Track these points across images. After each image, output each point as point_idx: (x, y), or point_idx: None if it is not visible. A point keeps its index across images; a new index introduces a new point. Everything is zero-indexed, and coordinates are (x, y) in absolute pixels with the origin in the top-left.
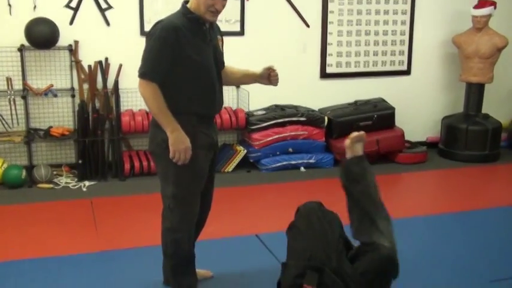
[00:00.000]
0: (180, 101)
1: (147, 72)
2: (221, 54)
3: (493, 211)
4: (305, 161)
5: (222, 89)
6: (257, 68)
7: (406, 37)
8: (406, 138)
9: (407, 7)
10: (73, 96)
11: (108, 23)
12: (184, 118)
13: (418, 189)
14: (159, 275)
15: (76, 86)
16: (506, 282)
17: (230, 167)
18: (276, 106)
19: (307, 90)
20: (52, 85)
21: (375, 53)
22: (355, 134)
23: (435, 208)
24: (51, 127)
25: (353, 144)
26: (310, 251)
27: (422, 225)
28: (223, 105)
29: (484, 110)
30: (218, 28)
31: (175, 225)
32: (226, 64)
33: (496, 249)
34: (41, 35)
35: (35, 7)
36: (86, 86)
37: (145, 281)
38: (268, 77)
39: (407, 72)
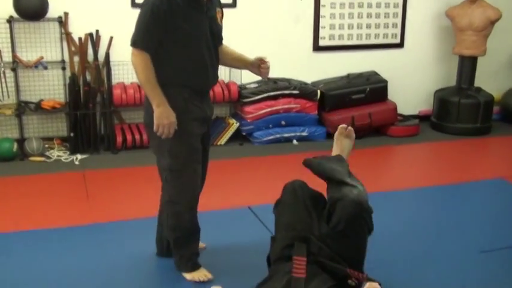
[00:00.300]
0: (171, 72)
1: (138, 41)
2: (218, 27)
3: (484, 183)
4: (297, 134)
5: (217, 63)
6: (248, 41)
7: (400, 10)
8: (399, 111)
9: None
10: (63, 68)
11: None
12: (175, 90)
13: (410, 161)
14: (152, 247)
15: (66, 58)
16: (495, 253)
17: (223, 140)
18: (269, 79)
19: (299, 63)
20: (42, 57)
21: (368, 26)
22: (343, 125)
23: (426, 180)
24: (42, 100)
25: (341, 138)
26: (296, 224)
27: (413, 197)
28: None
29: (476, 84)
30: (218, 0)
31: (174, 198)
32: (223, 42)
33: (485, 221)
34: (30, 6)
35: None
36: (76, 59)
37: (138, 252)
38: (259, 67)
39: (400, 45)
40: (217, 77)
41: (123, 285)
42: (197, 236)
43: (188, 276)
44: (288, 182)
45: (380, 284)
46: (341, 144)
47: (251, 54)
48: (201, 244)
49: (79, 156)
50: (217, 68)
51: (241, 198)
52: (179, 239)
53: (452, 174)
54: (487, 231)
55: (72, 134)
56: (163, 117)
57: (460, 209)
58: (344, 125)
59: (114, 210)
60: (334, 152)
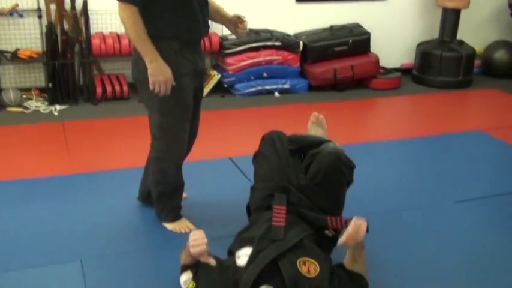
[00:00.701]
0: (161, 24)
1: None
2: None
3: (464, 135)
4: (279, 86)
5: (207, 11)
6: None
7: None
8: (381, 64)
9: None
10: (40, 17)
11: None
12: (165, 43)
13: (391, 114)
14: (133, 197)
15: (43, 6)
16: (469, 203)
17: (204, 92)
18: (251, 30)
19: (282, 15)
20: (17, 5)
21: None
22: (314, 113)
23: (407, 133)
24: (18, 49)
25: (313, 127)
26: (274, 174)
27: (394, 148)
28: None
29: (459, 37)
30: None
31: (162, 154)
32: None
33: (463, 172)
34: None
35: None
36: (53, 7)
37: (119, 202)
38: (236, 25)
39: None
40: (208, 26)
41: (104, 234)
42: (181, 191)
43: (169, 226)
44: (266, 133)
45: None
46: (314, 134)
47: (234, 5)
48: (183, 194)
49: (58, 107)
50: (208, 16)
51: (222, 150)
52: (162, 194)
53: (432, 126)
54: (464, 182)
55: (50, 85)
56: (158, 73)
57: (439, 160)
58: (315, 113)
59: (94, 161)
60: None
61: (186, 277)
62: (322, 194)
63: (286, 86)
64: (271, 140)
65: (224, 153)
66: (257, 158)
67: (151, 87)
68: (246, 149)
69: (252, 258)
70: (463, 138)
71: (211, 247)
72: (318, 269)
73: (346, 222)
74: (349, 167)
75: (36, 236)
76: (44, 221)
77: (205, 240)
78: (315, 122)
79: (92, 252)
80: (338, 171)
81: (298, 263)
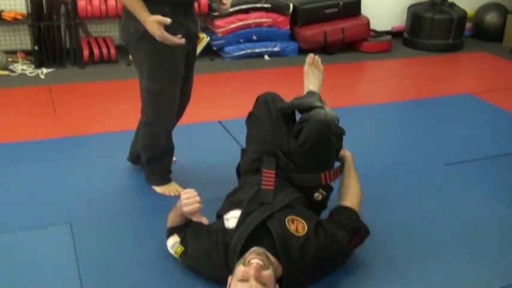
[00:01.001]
0: None
1: None
2: None
3: (453, 98)
4: (269, 49)
5: None
6: None
7: None
8: (372, 27)
9: None
10: None
11: None
12: (156, 7)
13: (382, 77)
14: (122, 160)
15: None
16: (458, 165)
17: None
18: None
19: None
20: None
21: None
22: (310, 55)
23: (397, 95)
24: (2, 11)
25: (311, 69)
26: (266, 137)
27: (384, 112)
28: None
29: None
30: None
31: (151, 120)
32: None
33: (452, 135)
34: None
35: None
36: None
37: (108, 165)
38: (220, 1)
39: None
40: None
41: (93, 197)
42: (170, 156)
43: (158, 189)
44: (261, 94)
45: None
46: (312, 77)
47: None
48: (173, 158)
49: (44, 70)
50: None
51: (211, 113)
52: (152, 158)
53: (423, 89)
54: (453, 144)
55: (36, 47)
56: (154, 30)
57: (428, 123)
58: (311, 54)
59: (82, 125)
60: (306, 88)
61: (173, 241)
62: (310, 160)
63: (276, 49)
64: (265, 102)
65: (214, 116)
66: (250, 119)
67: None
68: (235, 113)
69: (241, 220)
70: (453, 101)
71: (204, 210)
72: (306, 228)
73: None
74: (339, 135)
75: (25, 199)
76: (32, 184)
77: (198, 198)
78: (311, 64)
79: (81, 216)
80: (326, 140)
81: (286, 221)
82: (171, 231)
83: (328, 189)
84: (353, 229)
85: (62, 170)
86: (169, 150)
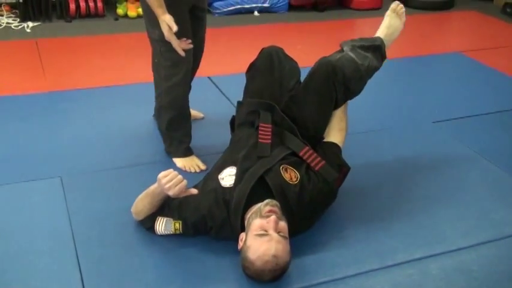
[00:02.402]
0: None
1: None
2: None
3: (442, 57)
4: (259, 5)
5: None
6: None
7: None
8: None
9: None
10: None
11: None
12: None
13: (372, 35)
14: (110, 114)
15: None
16: (446, 123)
17: None
18: None
19: None
20: None
21: None
22: (396, 1)
23: (387, 53)
24: None
25: (391, 16)
26: (264, 90)
27: None
28: None
29: None
30: None
31: (169, 70)
32: None
33: (440, 93)
34: None
35: None
36: None
37: (97, 120)
38: None
39: None
40: None
41: (83, 151)
42: (189, 121)
43: (179, 162)
44: (266, 47)
45: None
46: (389, 24)
47: None
48: (199, 114)
49: (30, 24)
50: None
51: (201, 69)
52: (173, 119)
53: (412, 47)
54: (441, 102)
55: (21, 0)
56: (164, 29)
57: (417, 81)
58: (397, 1)
59: (70, 79)
60: (379, 31)
61: (162, 223)
62: (308, 105)
63: (266, 4)
64: (268, 55)
65: (203, 72)
66: (250, 71)
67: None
68: (225, 69)
69: (239, 177)
70: (442, 59)
71: None
72: (298, 176)
73: (320, 167)
74: (344, 84)
75: (13, 153)
76: (20, 139)
77: (180, 176)
78: (394, 10)
79: (71, 169)
80: (328, 83)
81: (281, 169)
82: (152, 217)
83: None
84: (338, 166)
85: (50, 124)
86: (187, 113)
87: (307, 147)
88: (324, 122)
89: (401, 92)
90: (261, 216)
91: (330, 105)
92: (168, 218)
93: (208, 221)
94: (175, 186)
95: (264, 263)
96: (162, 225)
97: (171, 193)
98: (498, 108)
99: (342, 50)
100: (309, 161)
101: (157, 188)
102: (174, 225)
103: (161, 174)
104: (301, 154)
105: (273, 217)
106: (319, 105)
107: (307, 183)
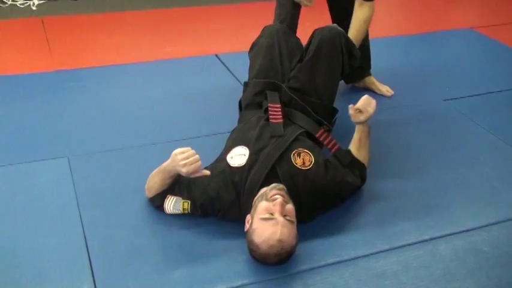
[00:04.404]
0: None
1: None
2: None
3: (453, 33)
4: None
5: None
6: None
7: None
8: None
9: None
10: None
11: None
12: None
13: (379, 11)
14: (118, 93)
15: None
16: (457, 101)
17: None
18: None
19: None
20: None
21: None
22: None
23: (396, 30)
24: None
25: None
26: (268, 70)
27: (382, 46)
28: None
29: None
30: None
31: None
32: None
33: (452, 70)
34: None
35: None
36: None
37: (105, 99)
38: None
39: None
40: None
41: (91, 132)
42: None
43: None
44: (268, 25)
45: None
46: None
47: None
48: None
49: (36, 2)
50: None
51: (208, 47)
52: None
53: (421, 24)
54: (452, 80)
55: None
56: None
57: (427, 58)
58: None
59: (77, 58)
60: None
61: (172, 202)
62: (318, 72)
63: None
64: (270, 33)
65: (210, 50)
66: (253, 50)
67: None
68: (232, 47)
69: (252, 159)
70: (452, 35)
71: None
72: (313, 159)
73: (336, 149)
74: (349, 49)
75: (20, 132)
76: (27, 118)
77: (197, 155)
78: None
79: (79, 149)
80: (334, 47)
81: (292, 155)
82: (163, 195)
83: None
84: (361, 179)
85: (57, 103)
86: None
87: (322, 129)
88: (333, 88)
89: (411, 70)
90: (267, 199)
91: (338, 69)
92: (178, 197)
93: (216, 203)
94: (191, 164)
95: (269, 247)
96: (171, 204)
97: (184, 170)
98: (510, 85)
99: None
100: (325, 142)
101: (169, 165)
102: (183, 204)
103: (177, 150)
104: (317, 135)
105: (279, 200)
106: (330, 70)
107: (323, 168)
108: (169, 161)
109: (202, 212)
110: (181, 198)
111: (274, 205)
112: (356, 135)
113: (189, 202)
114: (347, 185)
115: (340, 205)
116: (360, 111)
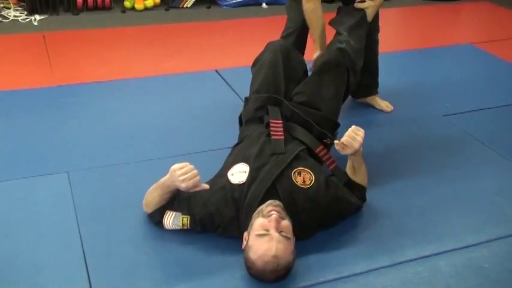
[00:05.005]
0: None
1: None
2: None
3: (453, 48)
4: None
5: None
6: None
7: None
8: None
9: None
10: None
11: None
12: None
13: (381, 26)
14: (117, 108)
15: None
16: (456, 116)
17: (189, 2)
18: None
19: None
20: None
21: None
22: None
23: (396, 45)
24: None
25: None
26: (270, 85)
27: (383, 61)
28: None
29: None
30: None
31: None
32: None
33: (451, 86)
34: None
35: None
36: None
37: (105, 114)
38: None
39: None
40: None
41: (91, 147)
42: None
43: None
44: (272, 41)
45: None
46: None
47: None
48: None
49: (37, 17)
50: None
51: (208, 62)
52: None
53: (423, 39)
54: (452, 95)
55: None
56: None
57: (427, 73)
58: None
59: (77, 73)
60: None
61: (171, 217)
62: (325, 86)
63: None
64: (274, 50)
65: (210, 65)
66: (256, 65)
67: None
68: (232, 62)
69: (252, 176)
70: (452, 51)
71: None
72: (313, 178)
73: (333, 167)
74: (352, 67)
75: (20, 148)
76: (27, 133)
77: (195, 170)
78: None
79: (79, 164)
80: (341, 67)
81: (292, 174)
82: (162, 210)
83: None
84: (361, 199)
85: (57, 118)
86: None
87: (322, 146)
88: (338, 102)
89: (410, 85)
90: (263, 216)
91: (343, 87)
92: (177, 213)
93: (216, 219)
94: (190, 180)
95: (265, 263)
96: (170, 220)
97: (183, 185)
98: (510, 101)
99: (340, 33)
100: (324, 158)
101: (168, 180)
102: (182, 220)
103: (176, 166)
104: (317, 151)
105: (274, 216)
106: (336, 87)
107: (324, 186)
108: (167, 176)
109: (201, 227)
110: (180, 214)
111: (269, 221)
112: (349, 163)
113: (189, 217)
114: (348, 204)
115: (340, 222)
116: (345, 145)
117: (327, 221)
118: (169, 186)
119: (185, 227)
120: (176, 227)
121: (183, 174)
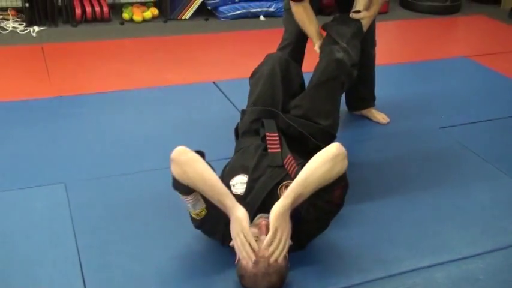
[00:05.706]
0: None
1: None
2: None
3: (449, 61)
4: (264, 9)
5: None
6: None
7: None
8: None
9: None
10: None
11: None
12: None
13: (378, 39)
14: (115, 119)
15: None
16: (453, 128)
17: (187, 14)
18: None
19: None
20: None
21: None
22: None
23: (392, 58)
24: None
25: None
26: (267, 98)
27: (379, 74)
28: None
29: None
30: None
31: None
32: None
33: (447, 98)
34: None
35: None
36: None
37: (103, 125)
38: None
39: None
40: None
41: (88, 158)
42: None
43: None
44: (270, 53)
45: None
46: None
47: None
48: None
49: (36, 29)
50: None
51: (206, 74)
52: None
53: (419, 52)
54: (449, 108)
55: (27, 5)
56: None
57: (424, 86)
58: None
59: (76, 85)
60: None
61: (194, 200)
62: (321, 98)
63: (272, 9)
64: (272, 62)
65: (208, 77)
66: (254, 77)
67: None
68: (230, 74)
69: (249, 188)
70: (449, 64)
71: None
72: None
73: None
74: (348, 77)
75: (18, 158)
76: (25, 144)
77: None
78: None
79: (76, 175)
80: (338, 78)
81: (279, 188)
82: (191, 190)
83: None
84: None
85: (55, 129)
86: None
87: (290, 157)
88: (336, 116)
89: (407, 97)
90: (254, 225)
91: (340, 97)
92: (203, 202)
93: (219, 225)
94: (242, 252)
95: (254, 265)
96: (192, 201)
97: (238, 250)
98: (506, 114)
99: (336, 42)
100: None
101: (230, 213)
102: (201, 211)
103: (247, 231)
104: (284, 162)
105: (263, 222)
106: (332, 100)
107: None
108: (236, 214)
109: (207, 226)
110: (204, 206)
111: (259, 228)
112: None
113: (206, 213)
114: (327, 205)
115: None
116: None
117: (313, 228)
118: (225, 208)
119: (197, 217)
120: (190, 209)
121: (243, 244)
